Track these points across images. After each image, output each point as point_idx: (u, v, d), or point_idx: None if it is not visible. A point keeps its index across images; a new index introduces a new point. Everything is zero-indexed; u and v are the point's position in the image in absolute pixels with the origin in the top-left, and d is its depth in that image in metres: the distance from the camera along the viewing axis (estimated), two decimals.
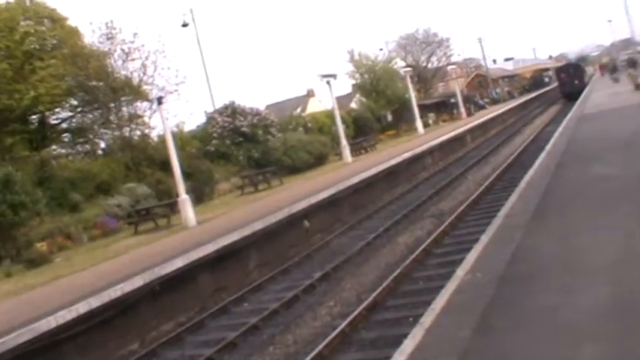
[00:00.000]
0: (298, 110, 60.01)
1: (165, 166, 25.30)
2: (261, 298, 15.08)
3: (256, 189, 29.42)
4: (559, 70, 76.75)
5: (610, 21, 78.18)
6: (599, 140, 18.25)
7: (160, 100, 24.33)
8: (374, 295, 12.37)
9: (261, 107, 43.55)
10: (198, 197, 27.18)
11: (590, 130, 21.70)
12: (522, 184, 14.65)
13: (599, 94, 41.26)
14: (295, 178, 31.07)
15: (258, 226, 18.24)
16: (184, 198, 22.20)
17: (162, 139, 28.22)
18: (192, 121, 74.96)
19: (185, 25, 43.79)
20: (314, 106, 68.92)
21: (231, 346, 11.85)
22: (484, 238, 10.06)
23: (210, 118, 37.11)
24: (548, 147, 20.16)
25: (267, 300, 14.62)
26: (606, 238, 8.08)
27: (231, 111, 36.37)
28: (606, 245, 7.76)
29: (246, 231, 17.70)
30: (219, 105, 39.58)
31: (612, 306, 6.00)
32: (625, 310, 5.82)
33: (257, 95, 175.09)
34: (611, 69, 70.03)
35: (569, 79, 68.71)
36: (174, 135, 26.28)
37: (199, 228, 20.75)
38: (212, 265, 16.08)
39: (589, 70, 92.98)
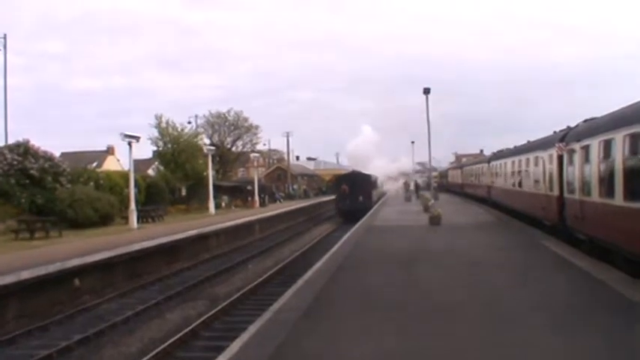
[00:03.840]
0: (94, 165, 58.18)
1: None
2: (13, 353, 14.34)
3: (32, 237, 27.93)
4: (339, 180, 62.16)
5: (413, 142, 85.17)
6: (380, 251, 19.73)
7: None
8: None
9: (57, 153, 41.83)
10: None
11: (375, 241, 23.27)
12: (300, 281, 15.17)
13: (390, 210, 44.14)
14: (76, 234, 29.90)
15: (25, 275, 17.46)
16: None
17: None
18: None
19: None
20: (111, 164, 67.19)
21: None
22: (252, 329, 10.43)
23: None
24: (332, 250, 21.11)
25: (19, 356, 13.93)
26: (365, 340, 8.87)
27: (24, 150, 34.57)
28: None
29: (10, 278, 16.87)
30: (12, 141, 37.53)
31: None
32: None
33: (54, 140, 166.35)
34: (407, 188, 72.53)
35: (352, 192, 56.07)
36: None
37: None
38: None
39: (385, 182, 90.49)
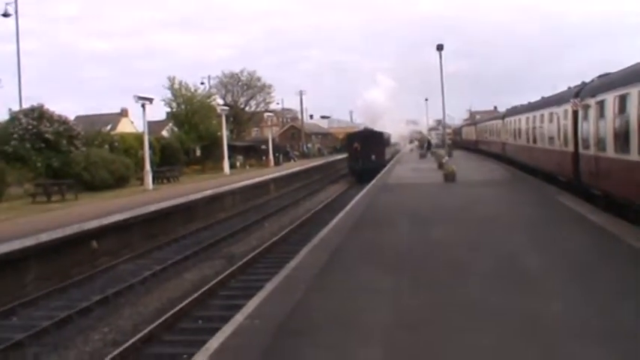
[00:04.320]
0: (108, 127, 58.16)
1: None
2: (34, 314, 14.52)
3: (49, 200, 28.16)
4: (351, 138, 58.36)
5: (427, 99, 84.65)
6: (394, 209, 19.76)
7: None
8: (150, 327, 12.43)
9: (71, 117, 41.87)
10: None
11: (389, 199, 23.23)
12: (316, 239, 15.16)
13: (404, 168, 44.01)
14: (92, 196, 30.10)
15: (44, 238, 17.61)
16: None
17: None
18: None
19: (6, 15, 41.40)
20: (125, 126, 67.24)
21: None
22: (269, 287, 10.48)
23: (14, 118, 35.03)
24: (346, 209, 21.13)
25: (39, 317, 14.10)
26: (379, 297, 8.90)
27: (38, 114, 34.60)
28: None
29: (30, 241, 17.02)
30: (26, 105, 37.56)
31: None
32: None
33: (69, 103, 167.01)
34: (421, 145, 72.33)
35: (364, 151, 52.77)
36: None
37: None
38: None
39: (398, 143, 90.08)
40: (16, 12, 42.56)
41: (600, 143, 16.66)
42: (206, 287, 15.60)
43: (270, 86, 78.18)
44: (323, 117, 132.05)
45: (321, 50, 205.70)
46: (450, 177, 28.20)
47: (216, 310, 13.94)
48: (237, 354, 7.26)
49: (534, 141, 28.14)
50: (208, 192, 31.12)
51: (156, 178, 36.97)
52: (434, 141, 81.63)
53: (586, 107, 18.36)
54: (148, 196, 29.84)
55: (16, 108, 39.36)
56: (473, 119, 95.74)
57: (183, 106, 56.57)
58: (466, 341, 7.03)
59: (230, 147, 52.75)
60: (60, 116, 36.37)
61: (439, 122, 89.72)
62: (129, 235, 22.50)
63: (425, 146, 68.02)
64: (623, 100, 14.54)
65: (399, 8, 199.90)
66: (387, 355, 6.84)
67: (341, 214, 19.54)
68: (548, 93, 27.36)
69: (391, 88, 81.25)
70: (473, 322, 7.72)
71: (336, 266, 11.55)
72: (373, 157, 52.23)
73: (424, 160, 51.12)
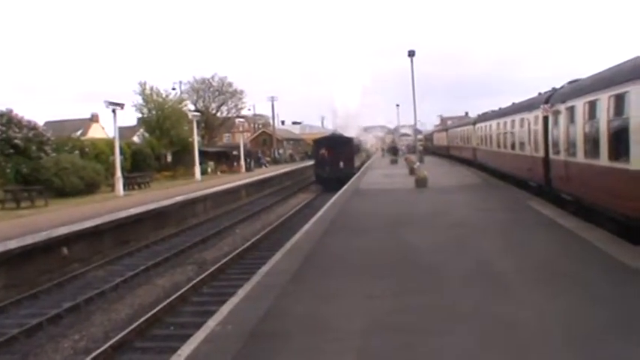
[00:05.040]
0: (79, 133, 57.67)
1: None
2: (3, 322, 14.36)
3: (18, 206, 27.84)
4: (318, 144, 54.34)
5: (398, 105, 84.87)
6: (366, 215, 19.89)
7: None
8: (122, 334, 12.38)
9: (41, 122, 41.42)
10: None
11: (361, 204, 23.40)
12: (288, 245, 15.23)
13: (376, 173, 44.32)
14: (62, 202, 29.80)
15: (13, 244, 17.43)
16: None
17: None
18: None
19: None
20: (96, 132, 66.67)
21: None
22: (241, 293, 10.51)
23: None
24: (318, 214, 21.21)
25: (9, 325, 13.95)
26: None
27: (7, 120, 34.19)
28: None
29: None
30: None
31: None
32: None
33: (38, 109, 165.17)
34: (391, 149, 72.85)
35: (332, 158, 49.69)
36: None
37: None
38: None
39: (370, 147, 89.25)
40: None
41: (570, 148, 16.93)
42: (178, 293, 15.56)
43: (241, 92, 77.89)
44: (294, 123, 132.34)
45: (294, 55, 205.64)
46: (421, 183, 28.43)
47: (189, 317, 13.92)
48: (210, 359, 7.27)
49: (505, 146, 28.47)
50: (179, 198, 31.01)
51: (127, 184, 36.71)
52: (403, 148, 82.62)
53: (556, 113, 18.64)
54: (119, 202, 29.64)
55: None
56: (444, 125, 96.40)
57: (154, 112, 56.18)
58: (435, 346, 7.13)
59: (201, 153, 52.55)
60: (29, 121, 36.00)
61: (410, 128, 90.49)
62: (100, 242, 22.34)
63: (394, 152, 68.79)
64: (592, 106, 14.80)
65: (371, 13, 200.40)
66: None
67: (313, 220, 19.61)
68: (520, 99, 27.74)
69: (362, 94, 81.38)
70: (446, 324, 7.84)
71: (309, 272, 11.60)
72: (341, 164, 49.38)
73: (395, 166, 51.34)
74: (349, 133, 63.13)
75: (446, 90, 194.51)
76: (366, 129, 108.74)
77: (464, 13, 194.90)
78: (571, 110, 16.84)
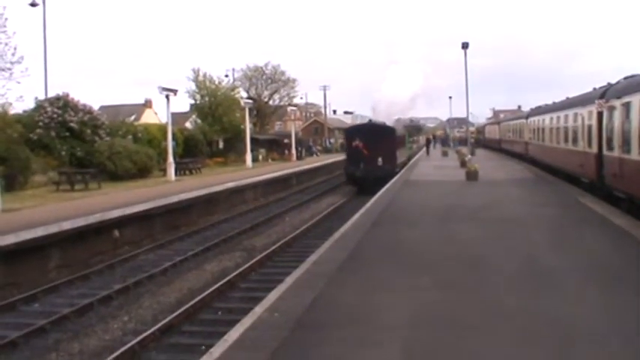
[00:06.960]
0: (132, 118, 58.46)
1: None
2: (55, 300, 14.63)
3: (72, 188, 28.36)
4: (350, 133, 43.13)
5: (451, 97, 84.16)
6: (415, 207, 19.70)
7: None
8: (170, 317, 12.47)
9: (95, 106, 42.05)
10: (10, 185, 25.63)
11: (411, 196, 23.18)
12: (337, 234, 15.18)
13: (426, 164, 43.84)
14: (115, 186, 30.26)
15: (67, 226, 17.73)
16: None
17: None
18: (21, 105, 70.30)
19: (34, 4, 41.68)
20: (149, 117, 67.61)
21: (10, 345, 11.45)
22: (289, 280, 10.48)
23: (40, 106, 35.23)
24: (367, 205, 21.02)
25: (60, 304, 14.20)
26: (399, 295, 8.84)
27: (63, 103, 34.85)
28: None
29: (53, 228, 17.15)
30: (52, 94, 37.77)
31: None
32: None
33: (93, 93, 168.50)
34: (443, 141, 72.52)
35: (368, 152, 38.56)
36: None
37: (3, 217, 19.66)
38: (6, 258, 15.38)
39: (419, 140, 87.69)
40: (44, 2, 42.84)
41: (625, 145, 16.46)
42: (226, 279, 15.62)
43: (294, 80, 77.92)
44: (346, 112, 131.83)
45: (347, 45, 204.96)
46: (472, 175, 28.02)
47: (236, 302, 13.96)
48: (256, 346, 7.21)
49: (558, 141, 27.85)
50: (230, 184, 31.18)
51: (178, 170, 37.03)
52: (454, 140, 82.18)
53: (611, 109, 18.14)
54: (171, 187, 29.97)
55: (41, 96, 39.61)
56: (497, 118, 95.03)
57: (207, 98, 56.59)
58: (480, 342, 6.99)
59: (253, 140, 52.78)
60: (85, 105, 36.56)
61: (462, 121, 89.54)
62: (151, 226, 22.61)
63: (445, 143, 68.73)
64: None
65: (426, 4, 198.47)
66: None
67: (362, 210, 19.49)
68: (574, 93, 27.13)
69: (414, 85, 79.78)
70: (489, 320, 7.68)
71: (357, 262, 11.50)
72: (380, 160, 38.48)
73: (446, 158, 50.84)
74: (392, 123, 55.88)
75: (500, 83, 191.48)
76: (416, 120, 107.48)
77: (520, 4, 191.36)
78: (627, 106, 16.35)
